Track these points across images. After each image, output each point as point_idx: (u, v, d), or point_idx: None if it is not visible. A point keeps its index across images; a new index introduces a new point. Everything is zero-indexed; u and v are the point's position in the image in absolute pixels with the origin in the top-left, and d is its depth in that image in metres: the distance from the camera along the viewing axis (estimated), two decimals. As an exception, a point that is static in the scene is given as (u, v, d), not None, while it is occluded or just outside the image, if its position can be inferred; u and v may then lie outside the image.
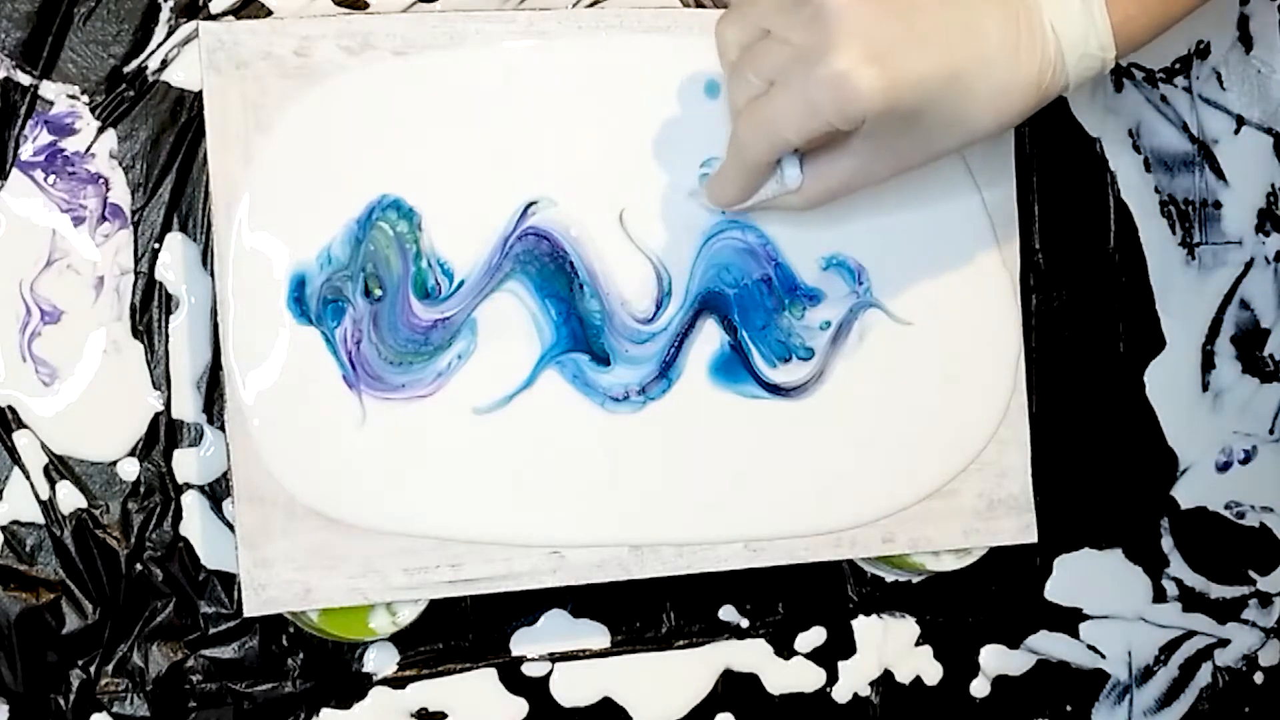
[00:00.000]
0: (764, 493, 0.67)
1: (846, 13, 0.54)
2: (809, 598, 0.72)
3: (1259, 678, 0.78)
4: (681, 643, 0.71)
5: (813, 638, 0.72)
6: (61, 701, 0.65)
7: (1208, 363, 0.76)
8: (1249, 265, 0.77)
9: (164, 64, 0.65)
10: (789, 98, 0.56)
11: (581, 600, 0.69)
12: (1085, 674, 0.76)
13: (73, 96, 0.64)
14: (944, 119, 0.57)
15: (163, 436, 0.65)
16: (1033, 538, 0.71)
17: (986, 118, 0.58)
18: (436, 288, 0.64)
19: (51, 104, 0.64)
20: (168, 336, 0.65)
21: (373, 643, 0.68)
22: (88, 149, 0.65)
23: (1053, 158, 0.74)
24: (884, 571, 0.73)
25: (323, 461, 0.63)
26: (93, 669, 0.65)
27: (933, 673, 0.74)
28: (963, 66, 0.56)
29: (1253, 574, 0.78)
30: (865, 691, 0.73)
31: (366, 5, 0.66)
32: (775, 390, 0.67)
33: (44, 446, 0.64)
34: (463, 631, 0.69)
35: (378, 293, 0.64)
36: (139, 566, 0.65)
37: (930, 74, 0.55)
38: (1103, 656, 0.76)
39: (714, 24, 0.60)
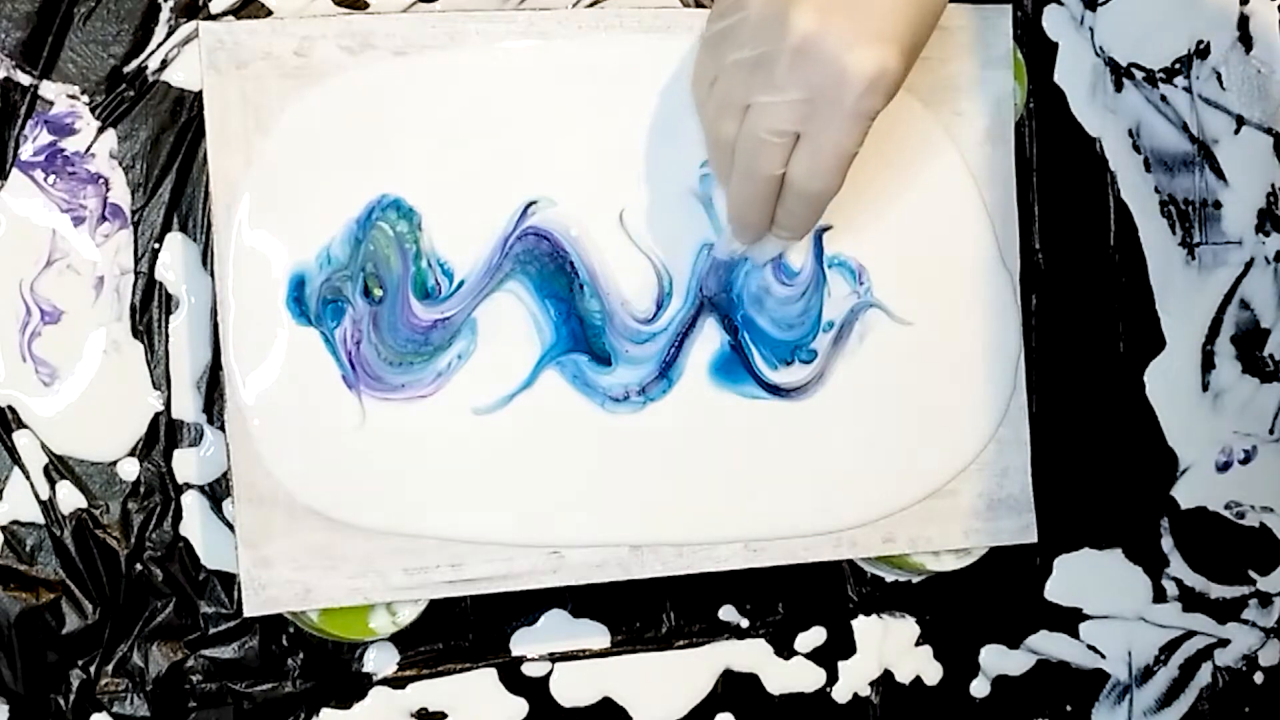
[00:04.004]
0: (764, 493, 0.67)
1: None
2: (809, 598, 0.72)
3: (1259, 678, 0.78)
4: (681, 643, 0.71)
5: (813, 638, 0.72)
6: (61, 701, 0.65)
7: (1208, 363, 0.76)
8: (1249, 265, 0.77)
9: (164, 64, 0.65)
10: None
11: (581, 600, 0.69)
12: (1085, 674, 0.76)
13: (73, 96, 0.64)
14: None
15: (163, 436, 0.65)
16: (1033, 538, 0.71)
17: None
18: (436, 288, 0.64)
19: (51, 104, 0.64)
20: (168, 336, 0.65)
21: (373, 643, 0.68)
22: (88, 149, 0.64)
23: (1053, 158, 0.74)
24: (884, 571, 0.73)
25: (323, 461, 0.63)
26: (93, 669, 0.65)
27: (933, 673, 0.74)
28: None
29: (1253, 574, 0.78)
30: (865, 691, 0.73)
31: (366, 5, 0.66)
32: (776, 390, 0.67)
33: (44, 446, 0.64)
34: (463, 631, 0.69)
35: (378, 293, 0.64)
36: (139, 566, 0.65)
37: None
38: (1103, 656, 0.76)
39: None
